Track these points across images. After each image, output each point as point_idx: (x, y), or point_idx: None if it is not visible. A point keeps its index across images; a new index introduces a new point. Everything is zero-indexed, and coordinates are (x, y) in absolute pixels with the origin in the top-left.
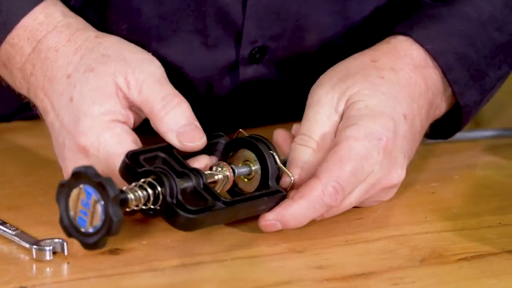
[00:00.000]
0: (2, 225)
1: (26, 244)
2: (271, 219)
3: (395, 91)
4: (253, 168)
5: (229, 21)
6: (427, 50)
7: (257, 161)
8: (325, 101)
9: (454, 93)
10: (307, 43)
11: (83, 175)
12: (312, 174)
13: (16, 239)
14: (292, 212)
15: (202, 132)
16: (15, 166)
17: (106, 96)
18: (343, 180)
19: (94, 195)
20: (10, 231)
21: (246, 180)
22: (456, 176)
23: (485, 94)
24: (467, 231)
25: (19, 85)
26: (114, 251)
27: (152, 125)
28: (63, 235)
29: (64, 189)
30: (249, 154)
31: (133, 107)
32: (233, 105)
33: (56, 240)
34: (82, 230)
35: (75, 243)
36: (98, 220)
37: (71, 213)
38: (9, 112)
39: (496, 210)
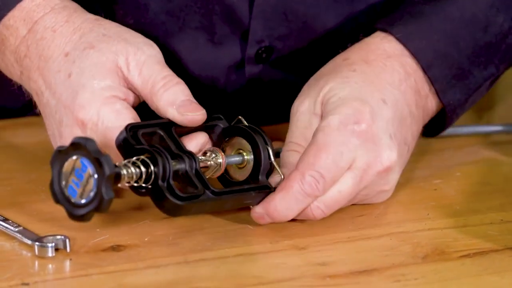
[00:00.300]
0: (5, 222)
1: (28, 240)
2: (258, 212)
3: (369, 79)
4: (246, 157)
5: (236, 20)
6: (407, 47)
7: (251, 152)
8: (304, 109)
9: (436, 90)
10: (314, 44)
11: (82, 147)
12: None
13: (19, 235)
14: (274, 205)
15: (201, 107)
16: (17, 163)
17: (106, 71)
18: (321, 167)
19: (90, 169)
20: (12, 228)
21: (237, 168)
22: (458, 172)
23: (471, 94)
24: (469, 228)
25: (12, 69)
26: (116, 248)
27: (151, 105)
28: (65, 231)
29: (61, 155)
30: (244, 144)
31: (131, 89)
32: (239, 103)
33: (58, 237)
34: (71, 200)
35: (78, 240)
36: (88, 194)
37: (63, 181)
38: (19, 105)
39: (498, 207)
